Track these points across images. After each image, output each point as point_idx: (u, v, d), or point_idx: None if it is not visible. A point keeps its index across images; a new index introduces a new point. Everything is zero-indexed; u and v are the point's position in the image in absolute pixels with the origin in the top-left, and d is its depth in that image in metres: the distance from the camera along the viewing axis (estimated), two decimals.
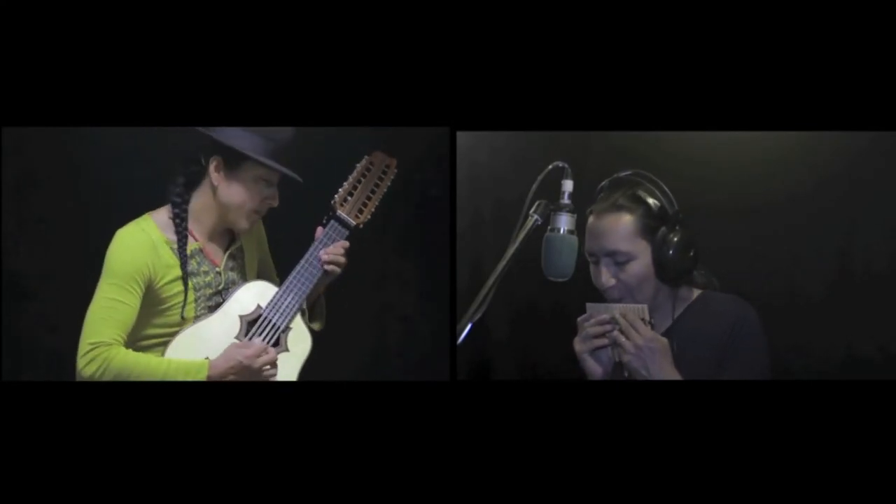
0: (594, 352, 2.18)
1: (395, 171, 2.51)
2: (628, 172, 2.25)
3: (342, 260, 2.43)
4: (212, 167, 2.33)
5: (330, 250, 2.41)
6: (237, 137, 2.31)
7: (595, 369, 2.17)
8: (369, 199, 2.48)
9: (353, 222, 2.45)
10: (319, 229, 2.44)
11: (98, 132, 2.66)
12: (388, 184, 2.50)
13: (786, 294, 2.76)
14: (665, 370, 2.12)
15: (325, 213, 2.45)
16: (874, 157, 2.64)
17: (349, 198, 2.45)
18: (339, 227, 2.44)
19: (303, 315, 2.47)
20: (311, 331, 2.44)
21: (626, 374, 2.17)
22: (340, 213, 2.44)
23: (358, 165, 2.48)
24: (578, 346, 2.19)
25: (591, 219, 2.26)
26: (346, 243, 2.44)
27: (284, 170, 2.34)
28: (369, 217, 2.47)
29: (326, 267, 2.40)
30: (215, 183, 2.34)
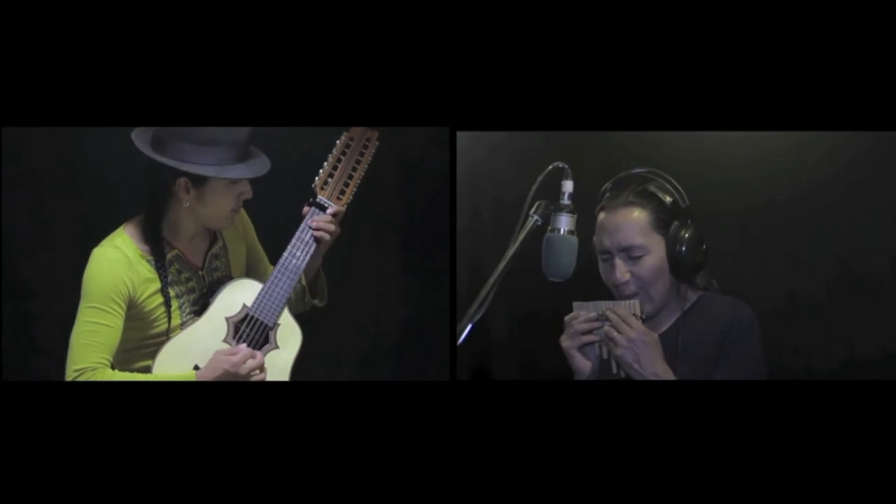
0: (581, 348, 2.18)
1: (378, 143, 2.40)
2: (643, 170, 2.25)
3: (332, 227, 2.35)
4: (181, 190, 2.26)
5: (318, 219, 2.35)
6: (196, 156, 2.22)
7: (583, 365, 2.18)
8: (350, 178, 2.39)
9: (334, 206, 2.37)
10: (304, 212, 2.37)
11: (98, 132, 2.66)
12: (370, 159, 2.40)
13: (786, 294, 2.76)
14: (657, 364, 2.13)
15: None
16: (874, 157, 2.64)
17: (329, 180, 2.37)
18: (320, 213, 2.36)
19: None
20: (301, 326, 2.38)
21: (614, 370, 2.17)
22: (320, 197, 2.36)
23: (337, 143, 2.39)
24: (566, 342, 2.20)
25: (601, 216, 2.26)
26: (339, 209, 2.36)
27: (249, 175, 2.28)
28: (351, 198, 2.39)
29: (315, 233, 2.33)
30: (187, 204, 2.28)
